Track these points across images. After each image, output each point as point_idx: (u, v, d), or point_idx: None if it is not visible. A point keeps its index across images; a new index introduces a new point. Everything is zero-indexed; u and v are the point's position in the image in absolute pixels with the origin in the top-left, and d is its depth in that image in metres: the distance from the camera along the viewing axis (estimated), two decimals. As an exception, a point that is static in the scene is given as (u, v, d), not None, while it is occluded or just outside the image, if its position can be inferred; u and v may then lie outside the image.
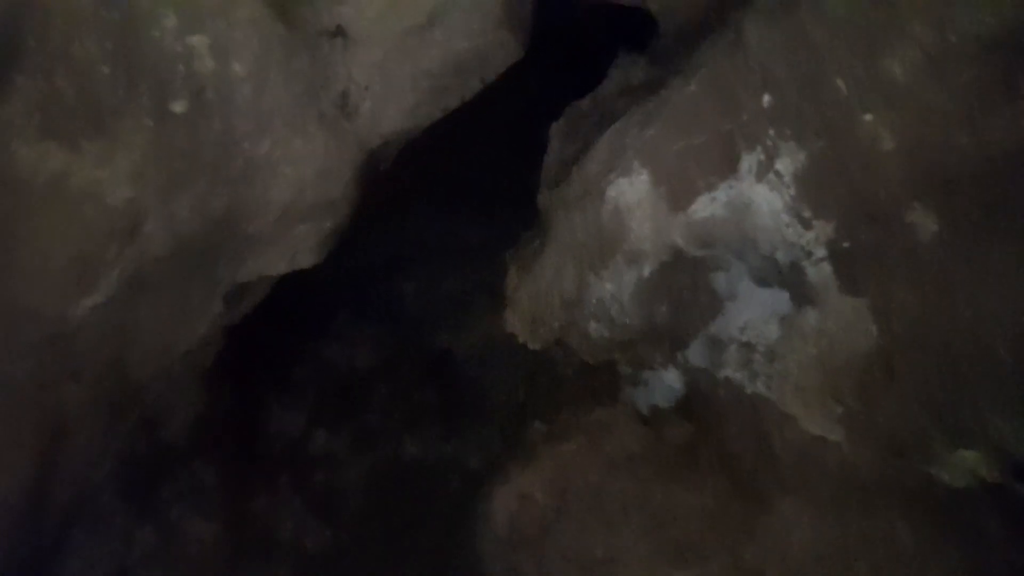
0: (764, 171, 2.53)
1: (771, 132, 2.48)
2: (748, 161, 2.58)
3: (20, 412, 2.66)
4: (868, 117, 2.25)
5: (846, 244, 2.46)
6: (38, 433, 2.78)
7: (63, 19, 2.36)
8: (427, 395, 4.69)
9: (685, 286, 3.05)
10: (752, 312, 2.85)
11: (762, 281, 2.82)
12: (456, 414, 4.44)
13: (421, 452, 4.29)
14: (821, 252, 2.53)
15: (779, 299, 2.74)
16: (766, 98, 2.46)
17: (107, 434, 3.25)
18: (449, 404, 4.53)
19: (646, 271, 3.07)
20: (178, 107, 2.60)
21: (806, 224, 2.52)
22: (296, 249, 3.48)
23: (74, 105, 2.36)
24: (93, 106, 2.40)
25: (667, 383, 3.44)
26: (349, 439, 4.51)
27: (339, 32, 2.91)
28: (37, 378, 2.67)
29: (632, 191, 2.92)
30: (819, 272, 2.56)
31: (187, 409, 3.90)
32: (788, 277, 2.67)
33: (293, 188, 3.05)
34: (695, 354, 3.25)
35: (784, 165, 2.48)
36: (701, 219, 2.82)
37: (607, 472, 3.10)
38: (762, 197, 2.58)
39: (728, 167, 2.63)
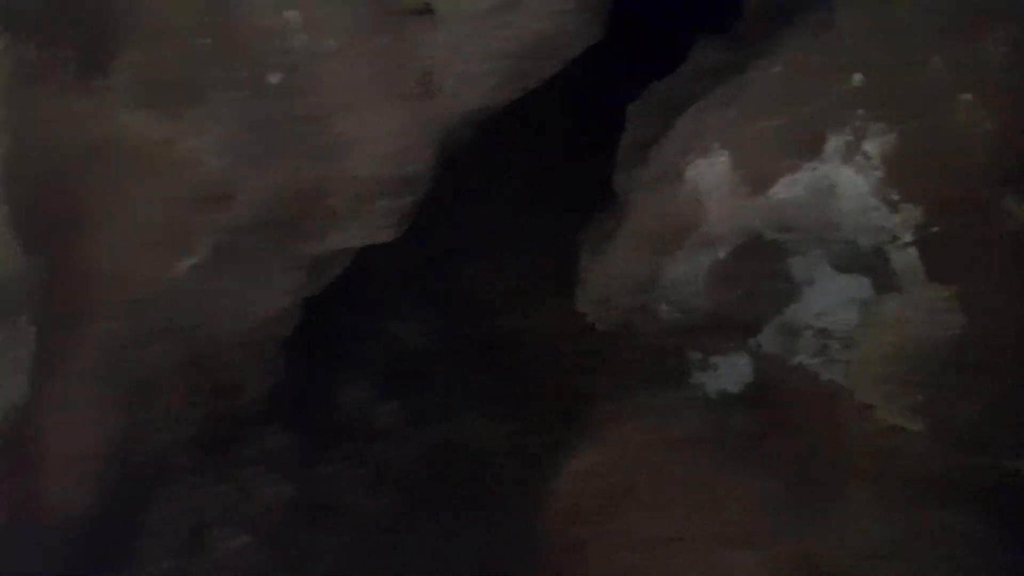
0: (851, 152, 2.48)
1: (860, 113, 2.43)
2: (834, 142, 2.53)
3: (115, 367, 2.78)
4: (966, 97, 2.19)
5: (935, 229, 2.41)
6: (130, 389, 2.91)
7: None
8: (490, 376, 4.72)
9: (761, 270, 3.02)
10: (830, 298, 2.80)
11: (842, 266, 2.77)
12: (519, 395, 4.46)
13: (483, 430, 4.32)
14: (908, 237, 2.48)
15: (859, 285, 2.70)
16: (857, 78, 2.42)
17: (190, 395, 3.38)
18: (512, 385, 4.55)
19: (721, 254, 3.04)
20: (273, 80, 2.67)
21: (893, 207, 2.47)
22: (376, 224, 3.54)
23: (174, 76, 2.45)
24: (192, 77, 2.48)
25: (737, 369, 3.41)
26: (411, 415, 4.56)
27: (425, 10, 2.94)
28: (132, 336, 2.78)
29: (711, 173, 2.90)
30: (904, 258, 2.51)
31: (263, 377, 4.01)
32: (870, 263, 2.62)
33: (376, 163, 3.11)
34: (768, 340, 3.21)
35: (873, 146, 2.43)
36: (781, 201, 2.79)
37: (675, 454, 3.09)
38: (847, 179, 2.54)
39: (812, 149, 2.59)
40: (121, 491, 2.98)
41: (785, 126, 2.66)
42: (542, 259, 4.77)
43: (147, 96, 2.40)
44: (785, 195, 2.75)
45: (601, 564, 2.87)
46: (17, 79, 2.02)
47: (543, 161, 4.89)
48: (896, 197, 2.44)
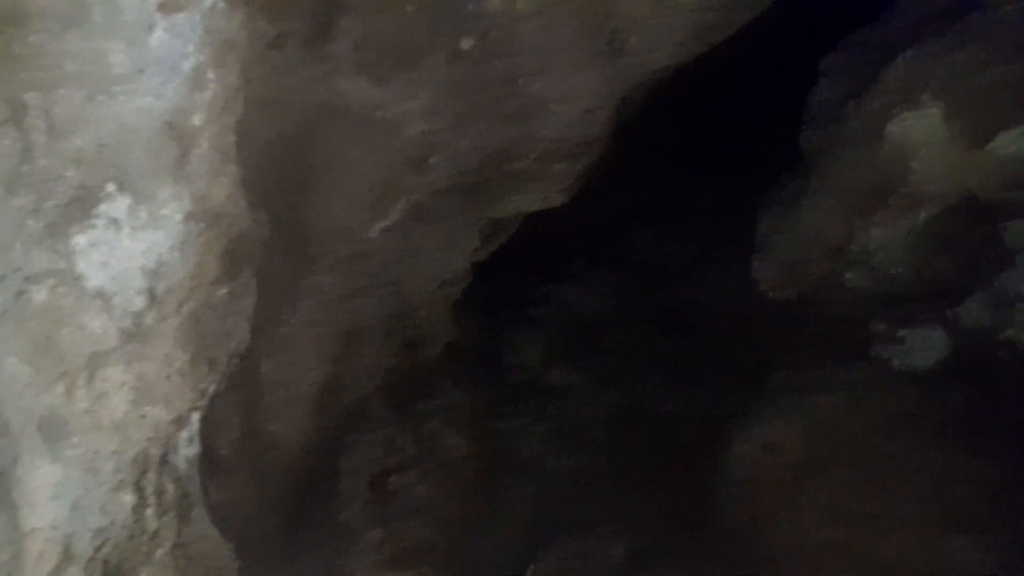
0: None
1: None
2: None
3: (325, 318, 2.97)
4: None
5: None
6: (336, 339, 3.10)
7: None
8: (666, 342, 4.68)
9: (971, 235, 2.78)
10: (1052, 267, 2.54)
11: (1072, 231, 2.50)
12: (696, 362, 4.39)
13: (660, 395, 4.30)
14: None
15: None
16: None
17: (383, 348, 3.57)
18: (689, 353, 4.48)
19: (926, 216, 2.83)
20: (466, 45, 2.72)
21: None
22: (551, 187, 3.58)
23: (386, 43, 2.54)
24: (401, 44, 2.57)
25: (930, 342, 3.18)
26: (587, 377, 4.61)
27: (616, -32, 2.89)
28: (340, 290, 2.96)
29: (920, 127, 2.69)
30: None
31: (443, 334, 4.17)
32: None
33: (561, 126, 3.12)
34: (972, 312, 2.96)
35: None
36: (1003, 157, 2.54)
37: (873, 429, 2.93)
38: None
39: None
40: (326, 433, 3.21)
41: (1015, 73, 2.41)
42: (720, 224, 4.64)
43: (363, 62, 2.52)
44: (1008, 150, 2.51)
45: (797, 536, 2.78)
46: (253, 50, 2.16)
47: (722, 118, 4.74)
48: None
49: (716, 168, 4.92)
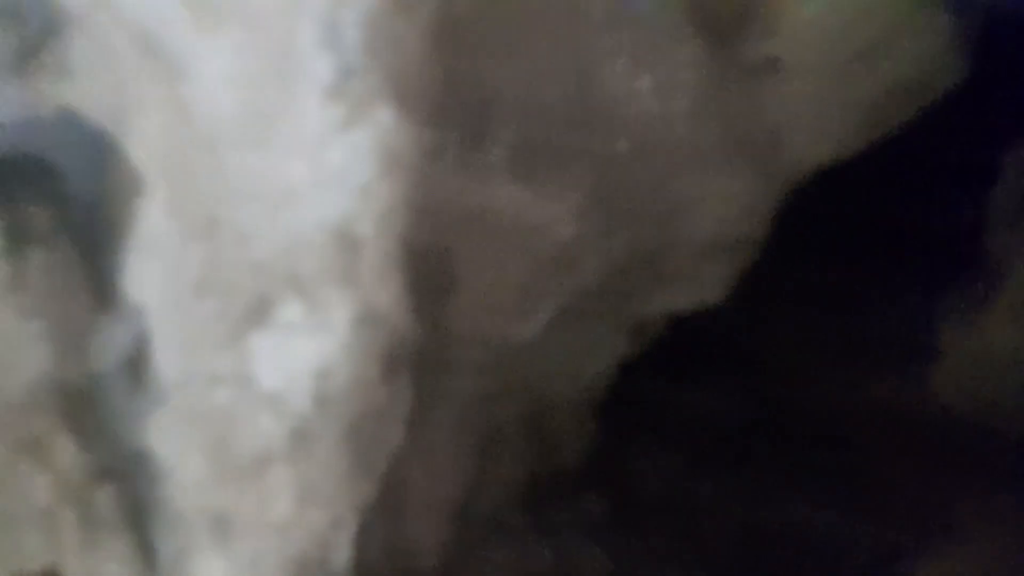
0: None
1: None
2: None
3: (464, 424, 3.17)
4: None
5: None
6: (474, 445, 3.29)
7: (527, 73, 2.83)
8: (818, 455, 4.59)
9: None
10: None
11: None
12: (854, 480, 4.29)
13: (814, 517, 4.21)
14: None
15: None
16: None
17: (521, 454, 3.74)
18: (846, 468, 4.38)
19: None
20: (621, 147, 2.95)
21: None
22: (703, 288, 3.70)
23: (538, 148, 2.81)
24: (554, 148, 2.83)
25: None
26: (729, 492, 4.57)
27: (772, 64, 3.08)
28: (481, 393, 3.17)
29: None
30: None
31: (581, 441, 4.29)
32: None
33: (716, 225, 3.28)
34: None
35: None
36: None
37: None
38: None
39: None
40: (464, 543, 3.36)
41: None
42: (878, 325, 4.59)
43: (515, 167, 2.79)
44: None
45: None
46: (417, 161, 2.46)
47: (890, 214, 4.75)
48: None
49: (881, 266, 4.89)
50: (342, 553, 2.52)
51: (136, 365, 2.53)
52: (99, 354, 2.55)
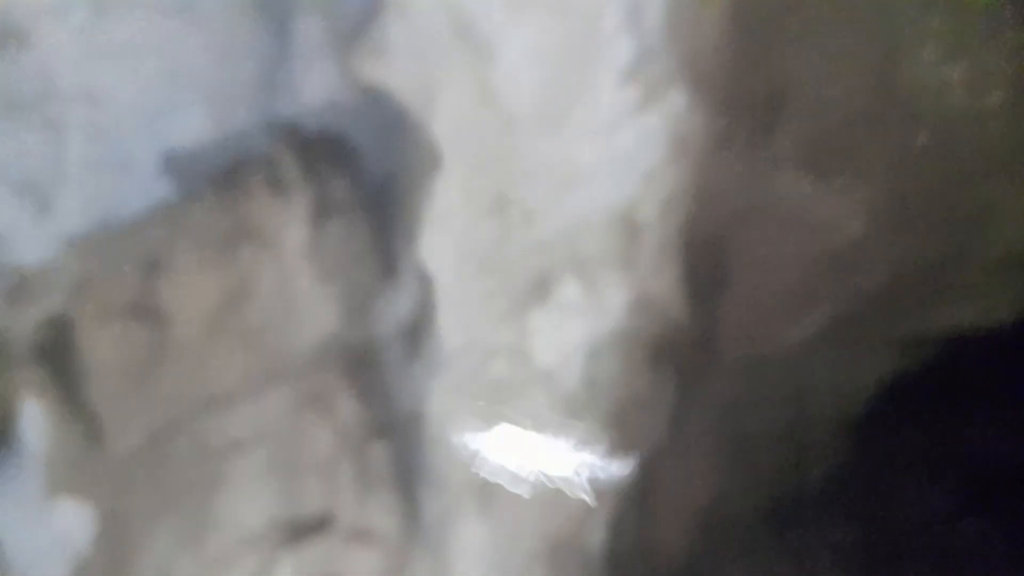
0: None
1: None
2: None
3: (719, 427, 3.10)
4: None
5: None
6: (727, 451, 3.21)
7: (822, 61, 2.71)
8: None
9: None
10: None
11: None
12: None
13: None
14: None
15: None
16: None
17: (770, 466, 3.60)
18: None
19: None
20: (921, 142, 2.75)
21: None
22: (995, 304, 3.37)
23: (829, 140, 2.68)
24: (845, 141, 2.69)
25: None
26: (1002, 539, 4.15)
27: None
28: (739, 398, 3.09)
29: None
30: None
31: (832, 458, 4.07)
32: None
33: (1018, 236, 2.98)
34: None
35: None
36: None
37: None
38: None
39: None
40: (707, 549, 3.30)
41: None
42: None
43: (802, 159, 2.68)
44: None
45: None
46: (705, 149, 2.43)
47: None
48: None
49: None
50: (596, 536, 2.56)
51: (415, 332, 2.71)
52: (382, 319, 2.77)
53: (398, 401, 2.74)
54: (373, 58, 2.33)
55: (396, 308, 2.76)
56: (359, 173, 2.88)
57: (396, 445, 2.76)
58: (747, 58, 2.47)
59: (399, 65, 2.32)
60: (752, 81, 2.58)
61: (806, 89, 2.74)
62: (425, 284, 2.56)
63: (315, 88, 2.83)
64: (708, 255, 2.69)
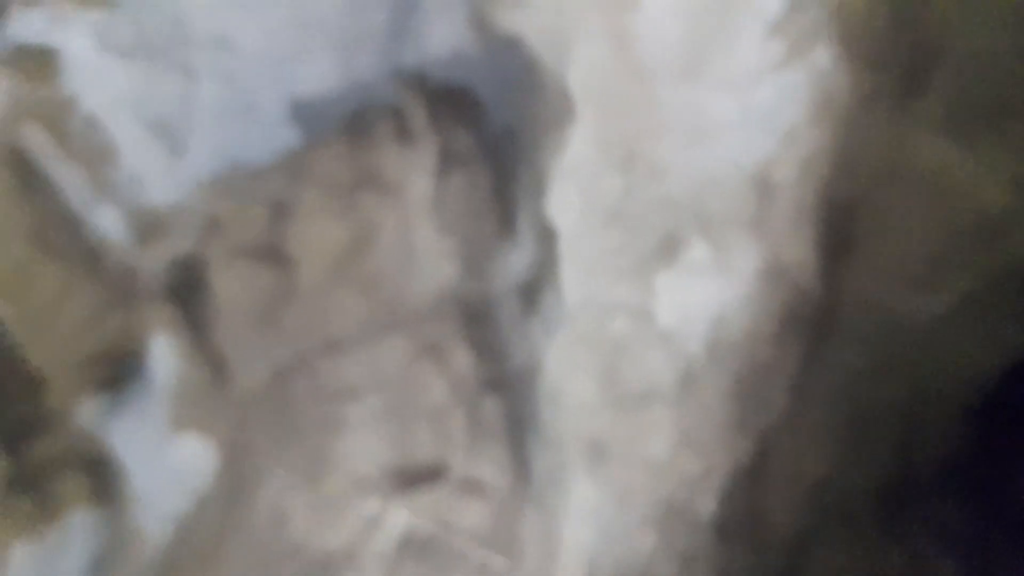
0: None
1: None
2: None
3: (835, 400, 3.01)
4: None
5: None
6: (841, 426, 3.11)
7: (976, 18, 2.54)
8: None
9: None
10: None
11: None
12: None
13: None
14: None
15: None
16: None
17: (883, 445, 3.48)
18: None
19: None
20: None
21: None
22: None
23: (976, 103, 2.52)
24: (993, 104, 2.53)
25: None
26: None
27: None
28: (858, 370, 2.98)
29: None
30: None
31: (944, 442, 3.91)
32: None
33: None
34: None
35: None
36: None
37: None
38: None
39: None
40: (811, 522, 3.22)
41: None
42: None
43: (948, 122, 2.53)
44: None
45: None
46: (849, 108, 2.31)
47: None
48: None
49: None
50: (708, 504, 2.52)
51: (534, 288, 2.70)
52: (500, 274, 2.77)
53: (513, 356, 2.74)
54: (510, 7, 2.28)
55: (514, 263, 2.75)
56: (483, 125, 2.87)
57: (509, 399, 2.77)
58: (899, 13, 2.33)
59: (536, 14, 2.27)
60: (903, 38, 2.45)
61: (958, 48, 2.58)
62: (547, 239, 2.54)
63: (442, 38, 2.83)
64: (841, 219, 2.58)
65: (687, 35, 2.19)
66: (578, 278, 2.43)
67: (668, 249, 2.33)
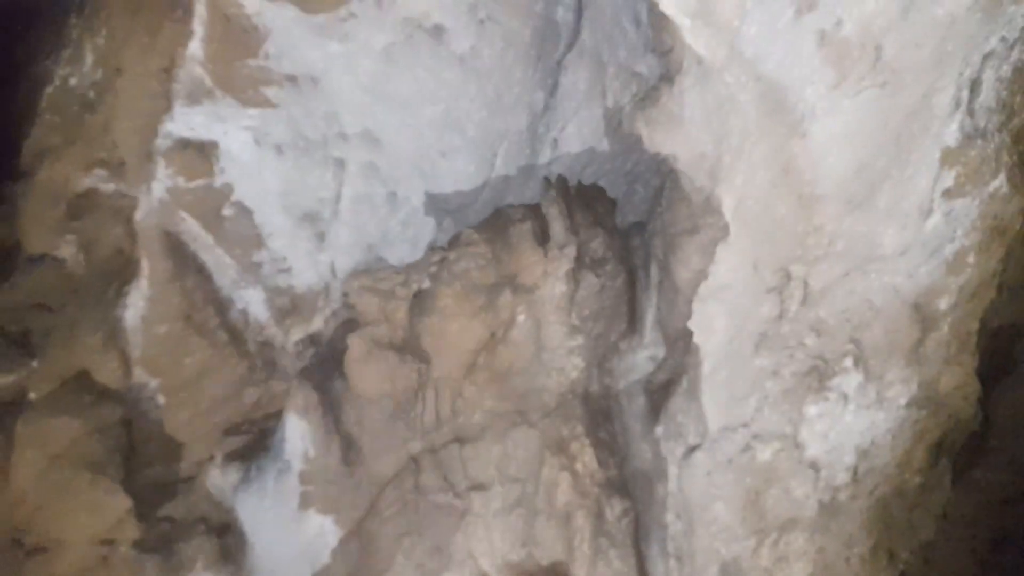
0: None
1: None
2: None
3: (979, 518, 2.85)
4: None
5: None
6: (984, 548, 2.94)
7: None
8: None
9: None
10: None
11: None
12: None
13: None
14: None
15: None
16: None
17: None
18: None
19: None
20: None
21: None
22: None
23: None
24: None
25: None
26: None
27: None
28: (996, 495, 2.83)
29: None
30: None
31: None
32: None
33: None
34: None
35: None
36: None
37: None
38: None
39: None
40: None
41: None
42: None
43: None
44: None
45: None
46: (1021, 234, 2.20)
47: None
48: None
49: None
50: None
51: (661, 395, 2.65)
52: (623, 375, 2.74)
53: (634, 461, 2.71)
54: (665, 126, 2.25)
55: (637, 367, 2.73)
56: (617, 230, 2.88)
57: (631, 506, 2.73)
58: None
59: (691, 134, 2.23)
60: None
61: None
62: (688, 351, 2.49)
63: (580, 141, 2.85)
64: (1003, 344, 2.46)
65: (857, 163, 2.11)
66: (722, 400, 2.37)
67: (818, 377, 2.26)
